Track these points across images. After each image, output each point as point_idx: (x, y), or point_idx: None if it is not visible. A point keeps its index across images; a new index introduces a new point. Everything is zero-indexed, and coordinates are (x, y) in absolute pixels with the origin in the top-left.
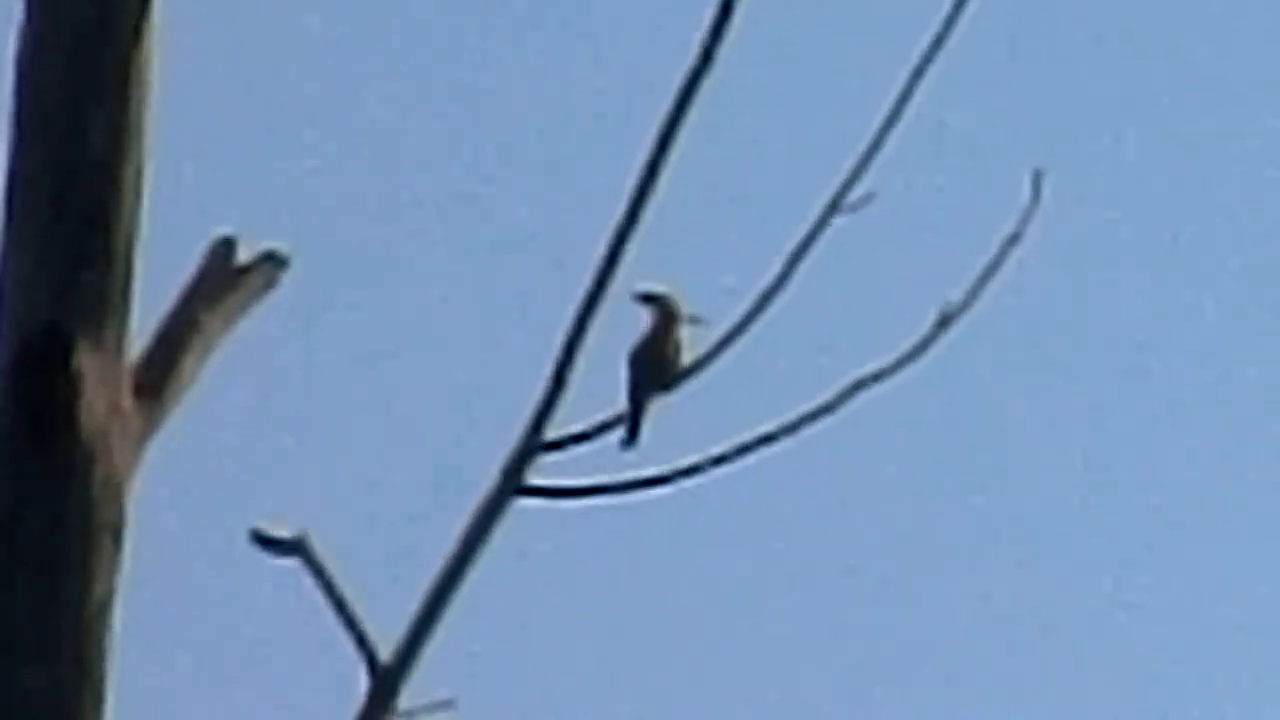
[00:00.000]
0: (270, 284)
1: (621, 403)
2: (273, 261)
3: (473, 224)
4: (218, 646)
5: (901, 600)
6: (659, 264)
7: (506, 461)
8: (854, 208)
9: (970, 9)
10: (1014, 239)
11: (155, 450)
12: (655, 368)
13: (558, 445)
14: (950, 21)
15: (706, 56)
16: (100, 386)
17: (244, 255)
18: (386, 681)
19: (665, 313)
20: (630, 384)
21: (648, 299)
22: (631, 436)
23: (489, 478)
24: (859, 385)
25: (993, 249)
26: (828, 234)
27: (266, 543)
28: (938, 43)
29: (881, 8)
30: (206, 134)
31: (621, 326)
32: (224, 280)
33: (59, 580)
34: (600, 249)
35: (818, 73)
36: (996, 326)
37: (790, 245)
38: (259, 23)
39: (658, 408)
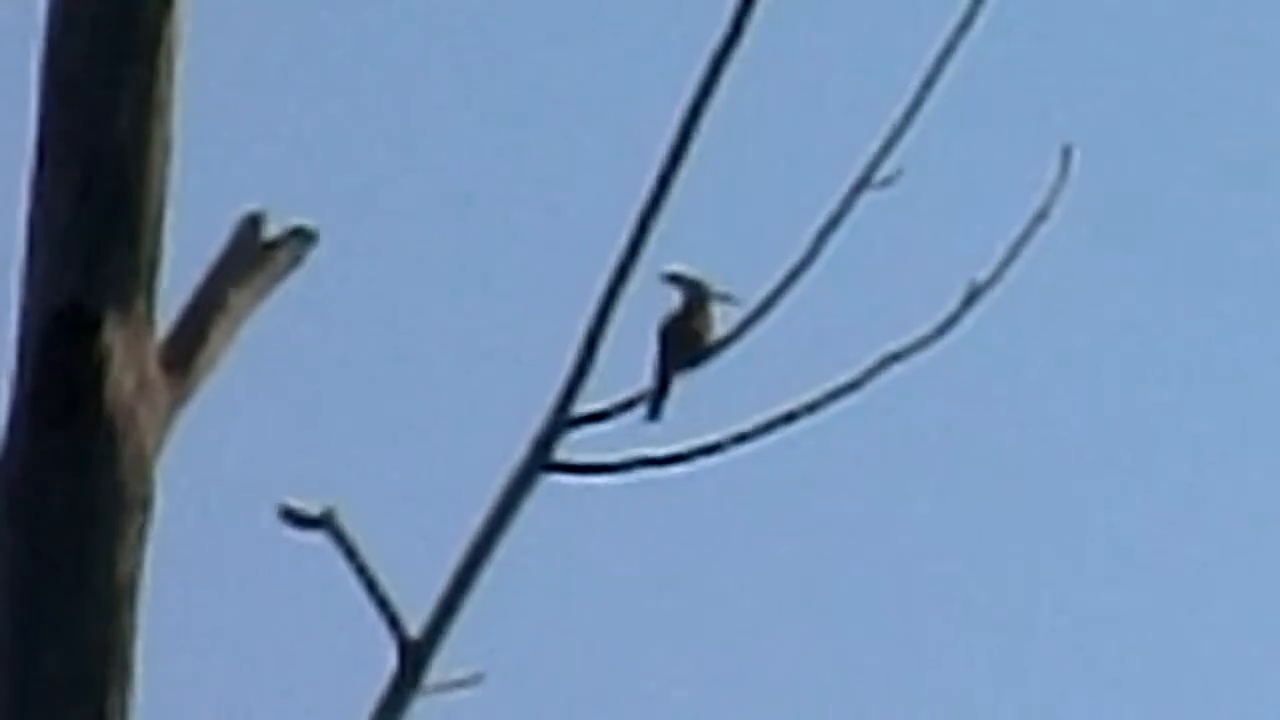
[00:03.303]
0: (298, 260)
1: (649, 378)
2: (300, 237)
3: (501, 199)
4: (246, 622)
5: (925, 577)
6: (686, 240)
7: (535, 436)
8: (882, 184)
9: None
10: (1042, 214)
11: (183, 426)
12: (683, 342)
13: (586, 420)
14: None
15: (734, 33)
16: (128, 362)
17: (271, 231)
18: (415, 657)
19: (695, 291)
20: (658, 358)
21: (675, 279)
22: (656, 410)
23: (517, 453)
24: (887, 361)
25: (1021, 225)
26: (856, 210)
27: (294, 518)
28: (967, 19)
29: None
30: (234, 110)
31: (650, 302)
32: (251, 256)
33: (86, 556)
34: (628, 224)
35: (846, 49)
36: (1024, 302)
37: (819, 221)
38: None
39: (685, 383)
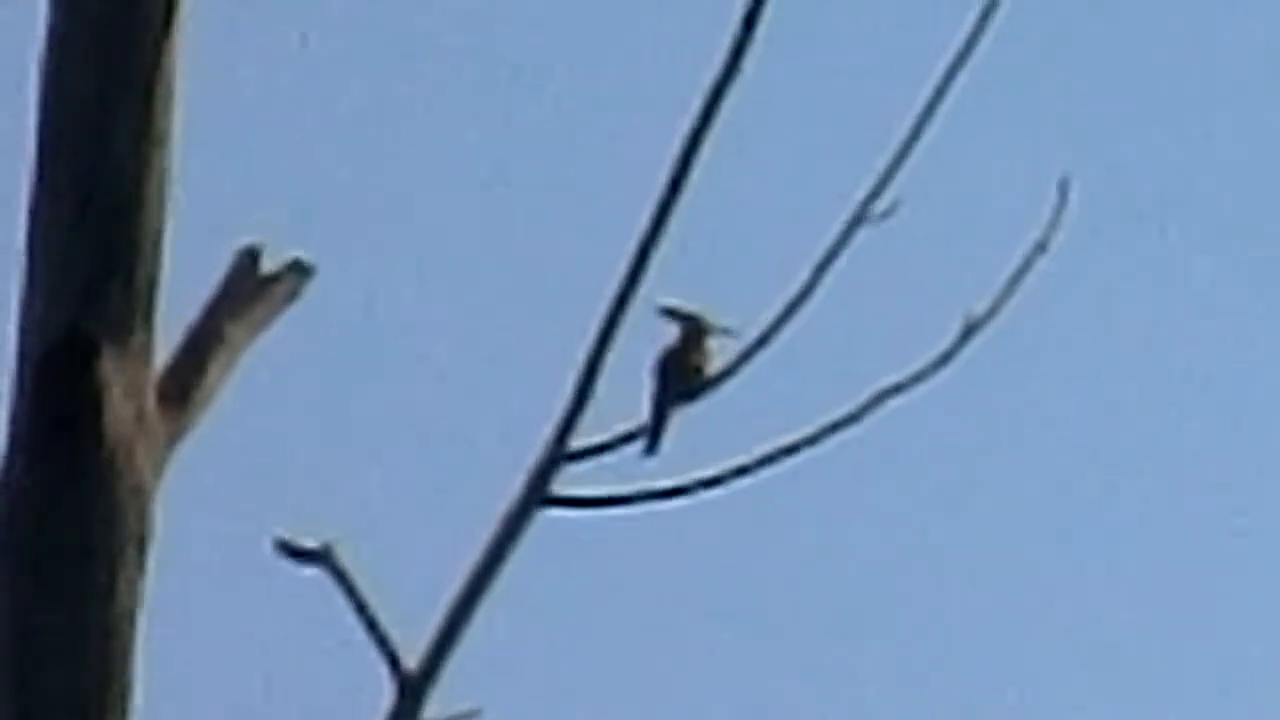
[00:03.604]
0: (295, 293)
1: (647, 412)
2: (298, 271)
3: (497, 233)
4: (243, 656)
5: (923, 611)
6: (684, 274)
7: (532, 471)
8: (880, 217)
9: (996, 18)
10: (1040, 247)
11: (180, 459)
12: (681, 376)
13: (583, 455)
14: (976, 30)
15: (732, 65)
16: (125, 395)
17: (269, 265)
18: (412, 691)
19: (692, 324)
20: (654, 392)
21: (672, 313)
22: (653, 445)
23: (514, 487)
24: (884, 395)
25: (1019, 258)
26: (853, 244)
27: (291, 552)
28: (964, 51)
29: (908, 16)
30: (232, 142)
31: (647, 336)
32: (249, 289)
33: (84, 588)
34: (625, 258)
35: (844, 81)
36: (1022, 335)
37: (816, 255)
38: (283, 29)
39: (683, 417)
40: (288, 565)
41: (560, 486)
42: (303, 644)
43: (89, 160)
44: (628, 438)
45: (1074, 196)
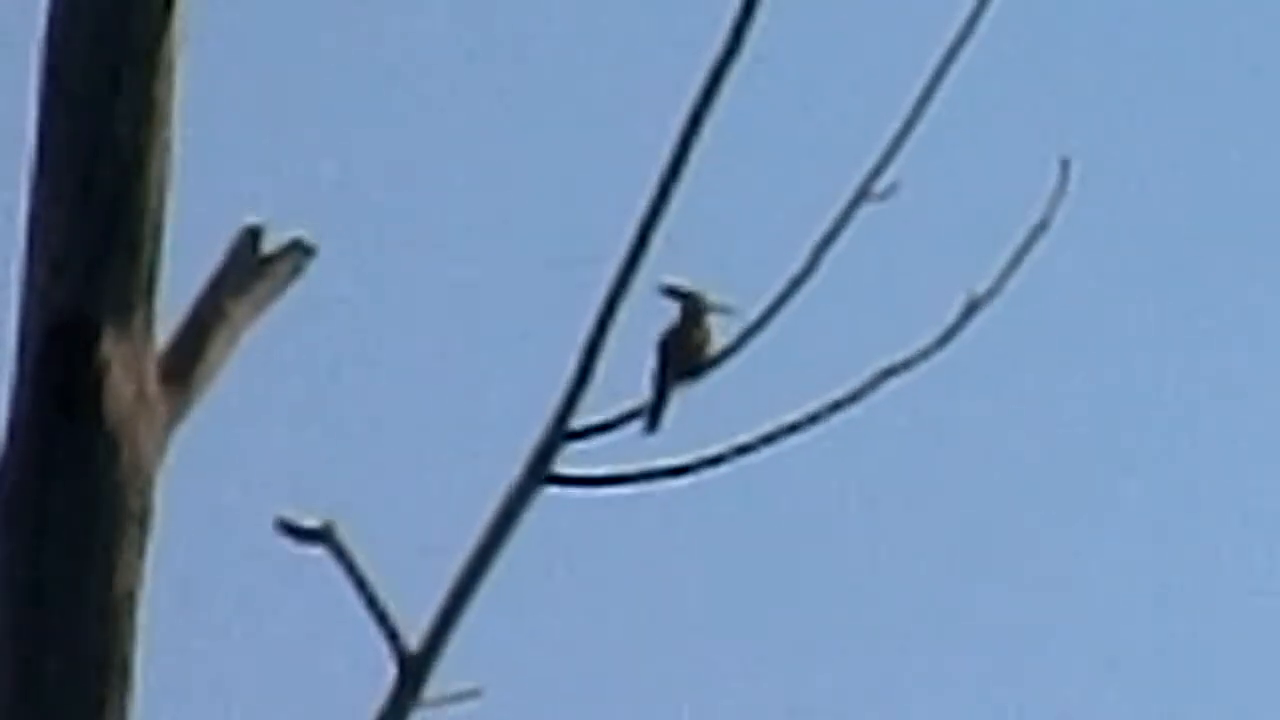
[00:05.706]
0: (296, 272)
1: (648, 391)
2: (299, 250)
3: (499, 212)
4: (244, 635)
5: (924, 590)
6: (686, 253)
7: (533, 450)
8: (881, 196)
9: None
10: (1041, 226)
11: (182, 438)
12: (683, 355)
13: (584, 434)
14: (978, 9)
15: (733, 44)
16: (126, 374)
17: (270, 244)
18: (413, 670)
19: (693, 303)
20: (657, 370)
21: (673, 292)
22: (655, 423)
23: (515, 466)
24: (885, 374)
25: (1020, 236)
26: (855, 222)
27: (293, 531)
28: (966, 30)
29: None
30: (233, 122)
31: (648, 315)
32: (250, 269)
33: (85, 568)
34: (627, 237)
35: (845, 60)
36: (1023, 314)
37: (817, 234)
38: (285, 10)
39: (683, 396)
40: (289, 544)
41: (562, 465)
42: (304, 623)
43: (91, 139)
44: (629, 417)
45: (1075, 175)
